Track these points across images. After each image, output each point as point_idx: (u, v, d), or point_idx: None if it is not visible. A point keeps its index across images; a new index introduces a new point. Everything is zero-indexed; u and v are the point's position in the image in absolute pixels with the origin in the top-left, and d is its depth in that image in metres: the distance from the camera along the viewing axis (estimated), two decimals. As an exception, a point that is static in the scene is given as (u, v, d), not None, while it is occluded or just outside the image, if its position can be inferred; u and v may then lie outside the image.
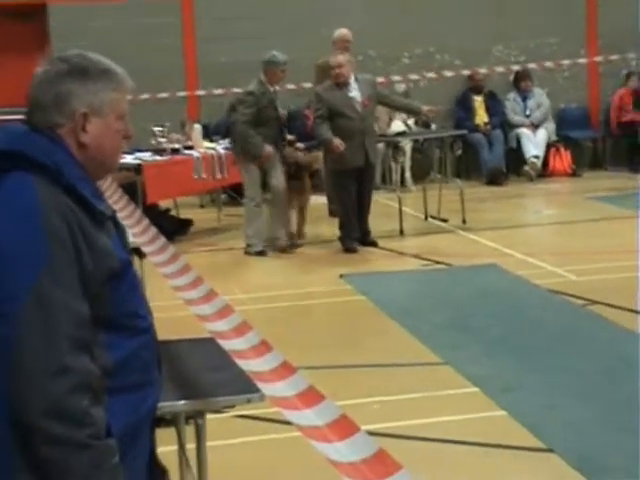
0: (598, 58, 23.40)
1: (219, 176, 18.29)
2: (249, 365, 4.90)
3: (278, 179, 16.18)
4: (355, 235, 16.48)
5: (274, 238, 16.25)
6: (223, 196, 20.49)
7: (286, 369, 4.68)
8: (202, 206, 20.59)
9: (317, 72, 16.16)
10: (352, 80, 16.33)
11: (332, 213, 18.60)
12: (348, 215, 16.41)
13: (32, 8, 21.69)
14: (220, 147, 18.57)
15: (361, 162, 16.28)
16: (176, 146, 17.98)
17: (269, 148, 15.83)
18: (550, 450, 8.41)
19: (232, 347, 5.18)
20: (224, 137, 19.47)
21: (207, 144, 18.64)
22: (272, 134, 16.08)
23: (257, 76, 16.59)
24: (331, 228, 16.72)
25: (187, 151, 18.07)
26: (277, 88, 16.28)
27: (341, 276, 14.67)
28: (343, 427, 3.94)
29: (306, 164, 17.70)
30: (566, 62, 23.15)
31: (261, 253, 16.00)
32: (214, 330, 5.62)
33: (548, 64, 22.81)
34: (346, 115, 16.03)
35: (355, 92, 16.27)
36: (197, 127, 19.11)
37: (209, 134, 19.61)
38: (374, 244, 16.61)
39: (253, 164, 16.10)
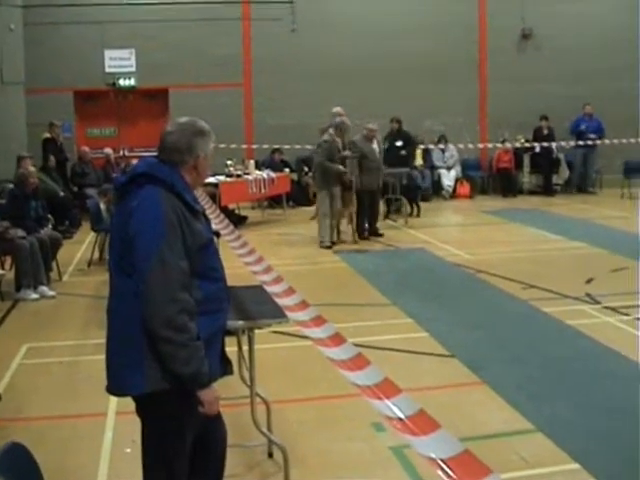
0: (487, 132, 23.47)
1: (264, 191, 18.48)
2: (282, 301, 4.91)
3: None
4: (365, 229, 16.18)
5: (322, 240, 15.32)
6: (265, 203, 20.42)
7: (303, 304, 4.69)
8: (253, 208, 20.51)
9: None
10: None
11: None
12: (362, 216, 16.11)
13: (160, 91, 21.68)
14: (264, 174, 18.61)
15: (375, 186, 16.09)
16: (239, 173, 18.04)
17: (344, 168, 15.28)
18: (453, 356, 8.45)
19: (272, 291, 5.19)
20: (267, 168, 19.54)
21: (257, 172, 18.65)
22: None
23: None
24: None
25: (245, 176, 18.08)
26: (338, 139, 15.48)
27: (334, 252, 14.69)
28: (337, 339, 3.95)
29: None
30: (467, 133, 23.31)
31: (329, 247, 15.06)
32: (261, 280, 5.62)
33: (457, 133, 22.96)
34: (369, 158, 15.86)
35: (375, 145, 16.18)
36: (251, 162, 19.16)
37: (258, 166, 19.56)
38: (381, 235, 16.23)
39: (326, 191, 15.24)
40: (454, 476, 2.48)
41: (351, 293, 11.53)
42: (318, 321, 4.23)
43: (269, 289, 5.20)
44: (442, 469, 2.54)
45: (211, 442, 4.39)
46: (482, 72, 23.49)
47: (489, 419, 6.82)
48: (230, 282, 4.44)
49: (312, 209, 20.08)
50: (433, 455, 2.62)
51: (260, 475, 5.84)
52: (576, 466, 5.80)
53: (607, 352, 8.54)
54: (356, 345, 6.73)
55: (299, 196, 20.95)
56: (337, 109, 17.37)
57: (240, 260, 6.86)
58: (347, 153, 15.57)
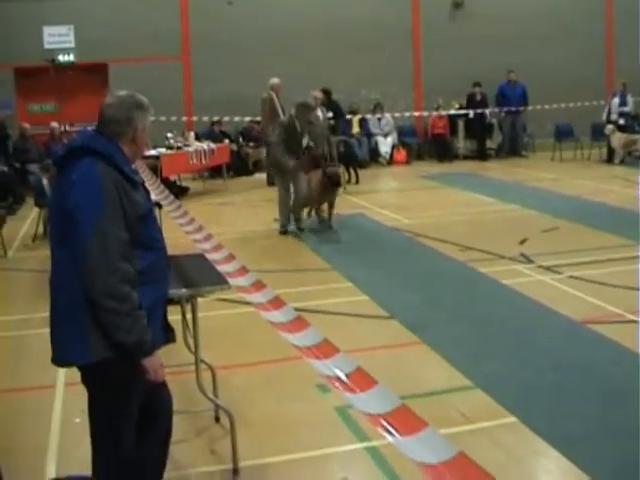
0: (422, 99, 23.52)
1: (204, 162, 18.36)
2: (222, 268, 4.87)
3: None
4: None
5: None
6: (206, 174, 20.24)
7: (243, 270, 4.67)
8: (194, 179, 20.30)
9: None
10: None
11: (269, 184, 18.60)
12: None
13: (99, 66, 21.40)
14: (205, 145, 18.48)
15: (320, 151, 14.76)
16: (179, 145, 17.91)
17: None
18: (392, 317, 8.49)
19: (212, 258, 5.15)
20: (207, 139, 19.38)
21: (197, 143, 18.50)
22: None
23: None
24: (274, 192, 16.58)
25: (186, 147, 17.95)
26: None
27: (275, 220, 14.61)
28: (277, 303, 3.94)
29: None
30: (402, 101, 23.36)
31: (284, 232, 13.20)
32: (202, 248, 5.57)
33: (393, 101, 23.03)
34: (314, 124, 14.82)
35: (319, 113, 15.87)
36: (191, 134, 19.05)
37: (198, 137, 19.38)
38: None
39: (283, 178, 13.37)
40: (392, 430, 2.49)
41: (293, 259, 11.52)
42: (258, 286, 4.21)
43: (210, 257, 5.15)
44: (381, 424, 2.55)
45: (157, 409, 4.38)
46: (416, 41, 23.51)
47: (429, 377, 6.88)
48: (172, 251, 4.42)
49: (252, 178, 20.21)
50: (371, 411, 2.63)
51: (208, 439, 5.84)
52: (514, 419, 5.88)
53: (542, 309, 8.64)
54: (298, 309, 6.75)
55: (238, 166, 20.86)
56: (275, 80, 17.35)
57: (181, 229, 6.80)
58: (311, 143, 13.73)
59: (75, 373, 4.17)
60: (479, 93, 22.93)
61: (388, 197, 18.18)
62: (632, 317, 8.22)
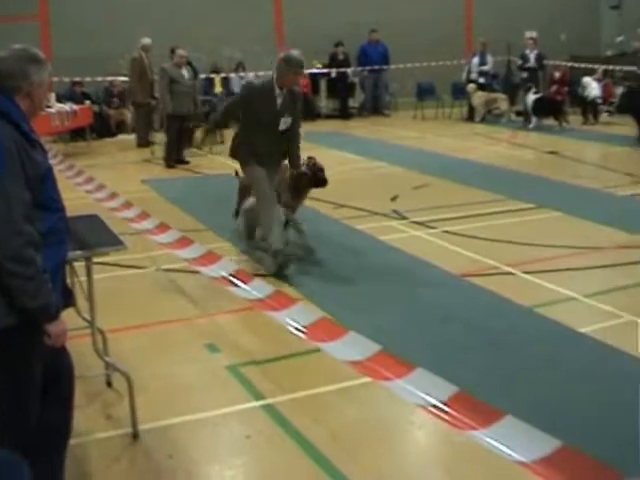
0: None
1: (66, 123, 17.91)
2: (139, 225, 4.77)
3: None
4: (174, 157, 15.96)
5: None
6: (67, 136, 19.70)
7: (165, 227, 4.57)
8: (55, 141, 19.68)
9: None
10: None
11: (139, 145, 18.31)
12: (172, 143, 15.94)
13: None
14: (66, 106, 18.01)
15: (185, 111, 15.81)
16: (41, 106, 17.43)
17: None
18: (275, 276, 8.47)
19: (124, 216, 5.04)
20: (68, 100, 18.88)
21: (59, 105, 17.99)
22: None
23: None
24: (139, 153, 16.41)
25: (47, 109, 17.37)
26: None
27: (142, 181, 14.38)
28: (212, 257, 3.86)
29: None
30: (265, 60, 23.18)
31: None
32: (109, 207, 5.43)
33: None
34: (180, 83, 15.66)
35: (184, 72, 16.03)
36: (52, 95, 18.47)
37: (60, 99, 18.84)
38: (187, 162, 16.14)
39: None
40: (385, 373, 2.49)
41: (168, 219, 11.28)
42: (184, 242, 4.13)
43: (121, 215, 5.02)
44: (365, 369, 2.54)
45: (59, 373, 4.26)
46: (277, -1, 23.48)
47: (319, 333, 6.89)
48: (69, 212, 4.28)
49: (116, 140, 19.80)
50: (349, 358, 2.61)
51: (102, 404, 5.72)
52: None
53: (420, 264, 8.81)
54: (180, 270, 6.66)
55: (101, 127, 20.42)
56: (146, 40, 17.26)
57: (80, 189, 6.58)
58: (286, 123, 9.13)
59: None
60: (341, 52, 23.08)
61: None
62: (507, 269, 8.46)
